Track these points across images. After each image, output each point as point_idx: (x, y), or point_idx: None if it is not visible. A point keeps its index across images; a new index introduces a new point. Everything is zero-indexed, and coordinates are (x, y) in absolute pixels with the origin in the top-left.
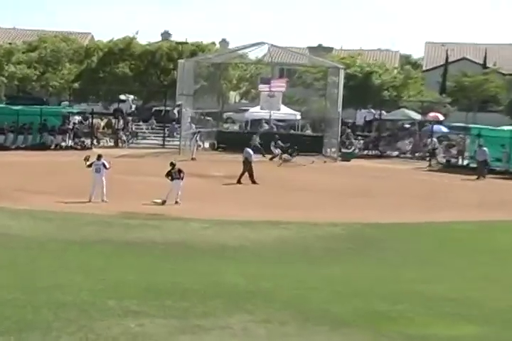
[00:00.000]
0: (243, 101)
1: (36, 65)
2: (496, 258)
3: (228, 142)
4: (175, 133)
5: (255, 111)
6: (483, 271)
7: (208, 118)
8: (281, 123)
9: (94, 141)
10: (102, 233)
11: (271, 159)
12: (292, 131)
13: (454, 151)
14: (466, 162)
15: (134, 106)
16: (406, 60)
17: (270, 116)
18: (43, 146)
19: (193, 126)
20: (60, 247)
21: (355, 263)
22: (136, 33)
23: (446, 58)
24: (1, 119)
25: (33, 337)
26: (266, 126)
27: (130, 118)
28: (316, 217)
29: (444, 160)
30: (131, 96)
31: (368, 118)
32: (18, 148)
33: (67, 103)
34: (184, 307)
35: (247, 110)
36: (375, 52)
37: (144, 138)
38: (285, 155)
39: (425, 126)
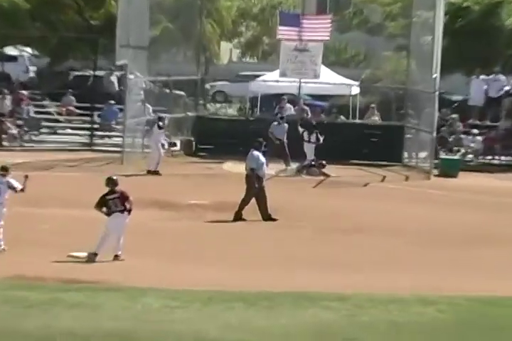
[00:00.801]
0: (247, 60)
1: None
2: None
3: (217, 139)
4: (112, 122)
5: (270, 80)
6: None
7: (179, 92)
8: (321, 103)
9: None
10: None
11: (299, 171)
12: (343, 118)
13: None
14: None
15: (32, 70)
16: None
17: (300, 88)
18: None
19: (149, 107)
20: None
21: None
22: None
23: None
24: None
25: None
26: (291, 109)
27: (25, 92)
28: (421, 286)
29: None
30: (28, 50)
31: (492, 93)
32: None
33: None
34: None
35: (255, 78)
36: None
37: (54, 131)
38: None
39: None
